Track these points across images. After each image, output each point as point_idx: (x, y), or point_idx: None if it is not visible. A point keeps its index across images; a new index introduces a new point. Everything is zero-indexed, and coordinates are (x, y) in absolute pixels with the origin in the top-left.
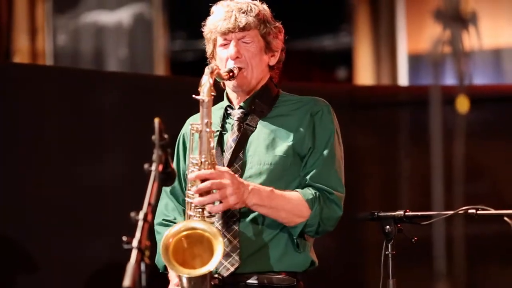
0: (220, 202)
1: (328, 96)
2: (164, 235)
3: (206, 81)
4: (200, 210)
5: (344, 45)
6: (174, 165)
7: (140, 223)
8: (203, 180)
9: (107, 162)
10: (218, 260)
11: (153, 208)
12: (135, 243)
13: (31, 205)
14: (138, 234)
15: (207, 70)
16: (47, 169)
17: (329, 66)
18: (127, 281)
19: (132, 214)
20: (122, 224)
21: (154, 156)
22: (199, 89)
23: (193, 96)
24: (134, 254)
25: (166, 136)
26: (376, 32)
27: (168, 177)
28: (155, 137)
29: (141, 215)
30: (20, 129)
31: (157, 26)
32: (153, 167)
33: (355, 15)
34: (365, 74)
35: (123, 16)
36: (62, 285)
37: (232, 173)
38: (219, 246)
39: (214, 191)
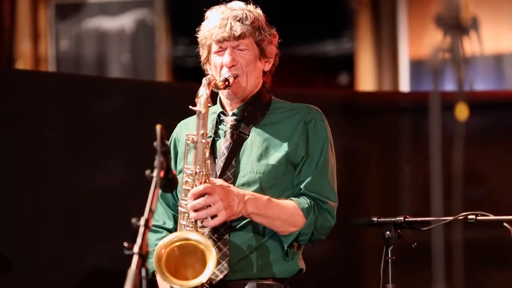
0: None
1: (329, 102)
2: (158, 246)
3: (203, 92)
4: (193, 220)
5: (346, 51)
6: None
7: (141, 229)
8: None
9: (109, 168)
10: (210, 272)
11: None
12: (136, 249)
13: (32, 209)
14: (139, 240)
15: (204, 81)
16: (48, 175)
17: (331, 71)
18: (128, 287)
19: (134, 220)
20: (123, 229)
21: (156, 163)
22: (195, 100)
23: (190, 107)
24: (135, 259)
25: (167, 142)
26: (378, 38)
27: (169, 183)
28: (156, 144)
29: (142, 221)
30: (22, 134)
31: (159, 32)
32: (155, 174)
33: (357, 21)
34: (366, 80)
35: (125, 21)
36: None
37: (226, 185)
38: (212, 259)
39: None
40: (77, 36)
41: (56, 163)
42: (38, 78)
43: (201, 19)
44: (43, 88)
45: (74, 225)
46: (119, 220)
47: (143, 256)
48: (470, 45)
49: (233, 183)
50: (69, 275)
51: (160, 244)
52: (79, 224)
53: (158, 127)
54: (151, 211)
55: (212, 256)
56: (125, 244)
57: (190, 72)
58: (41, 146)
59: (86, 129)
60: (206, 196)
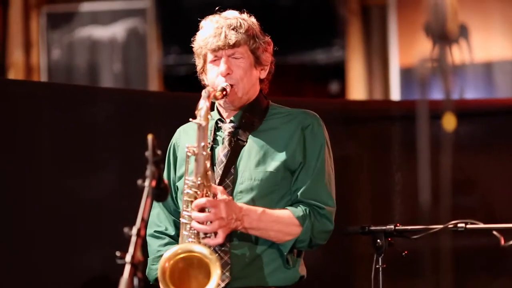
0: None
1: (320, 111)
2: (162, 258)
3: (203, 105)
4: (195, 231)
5: (336, 59)
6: (164, 174)
7: (133, 239)
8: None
9: (100, 178)
10: (214, 285)
11: (146, 223)
12: (128, 258)
13: (24, 218)
14: (131, 249)
15: (204, 93)
16: (40, 184)
17: (321, 80)
18: None
19: (126, 229)
20: (115, 238)
21: (148, 172)
22: (196, 112)
23: (190, 119)
24: (127, 269)
25: (159, 152)
26: (368, 47)
27: (161, 193)
28: (148, 153)
29: (134, 231)
30: (13, 144)
31: (151, 41)
32: (147, 183)
33: (347, 29)
34: (357, 88)
35: (117, 30)
36: None
37: (227, 199)
38: (216, 272)
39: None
40: (69, 45)
41: (47, 172)
42: (30, 87)
43: (192, 28)
44: (35, 97)
45: (65, 234)
46: (111, 229)
47: (135, 265)
48: (460, 54)
49: (232, 190)
50: (61, 284)
51: (164, 257)
52: (71, 233)
53: (150, 137)
54: (143, 221)
55: (216, 269)
56: (117, 253)
57: (181, 80)
58: (32, 155)
59: (77, 139)
60: (208, 209)
